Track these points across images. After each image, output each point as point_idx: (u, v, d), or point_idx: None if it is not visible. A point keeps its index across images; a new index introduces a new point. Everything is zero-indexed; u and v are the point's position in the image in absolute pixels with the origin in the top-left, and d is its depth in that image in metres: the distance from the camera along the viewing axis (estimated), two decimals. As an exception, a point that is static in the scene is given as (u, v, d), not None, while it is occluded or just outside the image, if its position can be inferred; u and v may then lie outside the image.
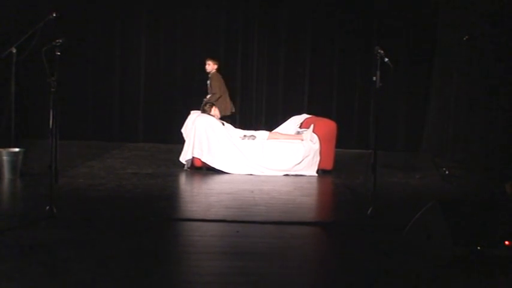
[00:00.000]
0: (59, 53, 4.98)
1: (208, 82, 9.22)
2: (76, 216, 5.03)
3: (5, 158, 6.60)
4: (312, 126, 7.99)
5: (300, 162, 7.67)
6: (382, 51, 5.31)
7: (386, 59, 5.26)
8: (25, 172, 6.78)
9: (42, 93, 5.93)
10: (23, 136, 8.06)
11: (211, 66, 9.20)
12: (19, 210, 5.42)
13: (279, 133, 8.30)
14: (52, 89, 4.90)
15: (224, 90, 9.19)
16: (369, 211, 5.31)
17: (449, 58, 9.47)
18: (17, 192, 6.32)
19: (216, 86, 9.06)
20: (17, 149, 6.73)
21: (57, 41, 4.98)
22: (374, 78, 5.28)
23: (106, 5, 10.29)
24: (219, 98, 8.98)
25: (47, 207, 4.83)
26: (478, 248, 4.10)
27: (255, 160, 7.67)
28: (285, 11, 10.55)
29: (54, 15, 6.32)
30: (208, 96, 9.05)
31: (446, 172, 7.64)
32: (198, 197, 6.33)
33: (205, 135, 7.67)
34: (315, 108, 10.02)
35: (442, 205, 4.30)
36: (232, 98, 10.49)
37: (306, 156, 7.68)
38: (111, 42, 10.54)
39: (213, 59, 9.25)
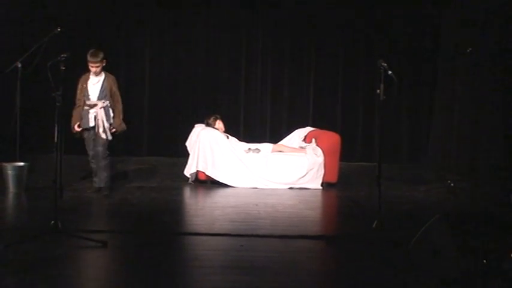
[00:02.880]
0: (64, 68, 5.00)
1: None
2: (80, 231, 5.02)
3: (10, 172, 6.62)
4: (314, 140, 7.99)
5: (305, 176, 7.66)
6: (385, 64, 5.32)
7: (390, 72, 5.27)
8: (30, 186, 6.79)
9: (47, 108, 5.96)
10: (28, 150, 8.07)
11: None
12: (24, 224, 5.42)
13: (283, 146, 8.30)
14: (57, 103, 4.91)
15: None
16: (374, 224, 5.29)
17: (452, 70, 9.46)
18: (22, 206, 6.33)
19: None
20: (21, 163, 6.75)
21: (62, 55, 5.01)
22: (378, 91, 5.29)
23: (110, 21, 10.33)
24: None
25: (52, 221, 4.82)
26: (484, 261, 4.08)
27: (259, 173, 7.66)
28: (289, 24, 10.58)
29: (59, 29, 6.37)
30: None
31: (452, 184, 7.61)
32: (203, 211, 6.32)
33: (209, 149, 7.67)
34: (319, 121, 10.03)
35: (448, 218, 4.28)
36: (236, 110, 10.54)
37: (310, 169, 7.67)
38: (115, 57, 10.55)
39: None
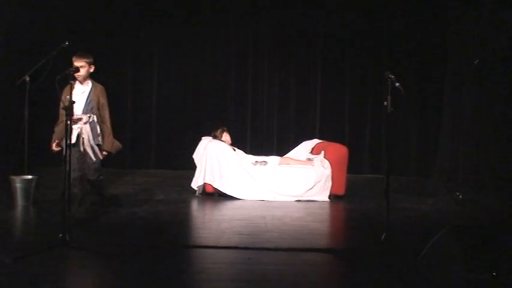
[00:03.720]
0: (72, 82, 5.03)
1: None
2: (88, 244, 5.03)
3: (18, 185, 6.64)
4: (322, 152, 7.98)
5: (312, 188, 7.64)
6: (392, 76, 5.32)
7: (397, 84, 5.26)
8: (38, 199, 6.81)
9: (55, 121, 5.97)
10: (36, 163, 8.10)
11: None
12: (32, 237, 5.42)
13: (290, 158, 8.30)
14: (66, 117, 4.94)
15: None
16: (382, 237, 5.26)
17: (460, 82, 9.46)
18: (30, 219, 6.34)
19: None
20: (30, 176, 6.77)
21: (71, 69, 5.05)
22: (385, 102, 5.27)
23: (118, 34, 10.40)
24: None
25: (60, 235, 4.83)
26: (493, 274, 4.05)
27: (266, 186, 7.65)
28: (296, 35, 10.61)
29: (67, 43, 6.41)
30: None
31: (460, 196, 7.58)
32: (210, 224, 6.31)
33: (216, 161, 7.68)
34: (327, 132, 10.03)
35: (456, 230, 4.26)
36: (243, 123, 10.55)
37: (318, 182, 7.66)
38: (123, 69, 10.63)
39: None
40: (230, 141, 8.27)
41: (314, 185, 7.65)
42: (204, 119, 10.34)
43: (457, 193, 7.65)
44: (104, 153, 5.92)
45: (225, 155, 7.75)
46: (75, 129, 5.70)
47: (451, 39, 9.92)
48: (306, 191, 7.64)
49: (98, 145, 5.83)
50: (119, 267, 4.52)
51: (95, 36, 10.10)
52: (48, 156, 9.25)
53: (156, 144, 10.67)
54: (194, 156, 8.02)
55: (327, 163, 7.78)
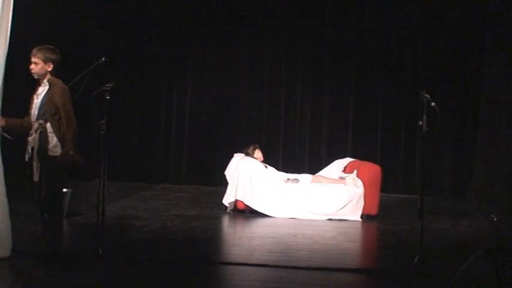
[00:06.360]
0: (108, 97, 5.10)
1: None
2: (121, 257, 5.06)
3: (53, 198, 6.72)
4: (355, 171, 7.91)
5: (344, 207, 7.57)
6: (428, 96, 5.27)
7: (433, 103, 5.21)
8: (72, 212, 6.90)
9: (89, 135, 6.05)
10: (70, 177, 8.22)
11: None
12: (65, 250, 5.48)
13: (322, 177, 8.25)
14: (101, 132, 5.02)
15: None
16: (415, 259, 5.17)
17: (496, 102, 9.31)
18: (64, 232, 6.41)
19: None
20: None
21: (107, 85, 5.12)
22: (420, 122, 5.22)
23: (153, 51, 10.56)
24: None
25: (93, 248, 4.87)
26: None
27: (298, 204, 7.61)
28: (329, 53, 10.61)
29: (104, 59, 6.51)
30: None
31: (495, 219, 7.42)
32: (241, 241, 6.30)
33: (248, 178, 7.68)
34: (359, 151, 9.95)
35: (491, 253, 4.18)
36: (275, 140, 10.55)
37: (350, 201, 7.58)
38: (157, 85, 10.77)
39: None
40: (262, 159, 8.27)
41: (346, 204, 7.58)
42: (237, 136, 10.37)
43: (492, 215, 7.50)
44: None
45: (256, 172, 7.75)
46: (29, 142, 4.70)
47: (487, 59, 9.79)
48: (338, 210, 7.57)
49: (50, 157, 4.62)
50: (150, 281, 4.54)
51: (129, 52, 10.27)
52: (83, 169, 9.42)
53: (188, 160, 10.74)
54: (226, 172, 8.05)
55: (359, 182, 7.70)
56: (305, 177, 7.99)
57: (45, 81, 4.73)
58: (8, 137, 4.78)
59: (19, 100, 5.22)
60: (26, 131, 4.70)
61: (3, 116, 4.83)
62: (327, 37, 10.58)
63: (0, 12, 4.87)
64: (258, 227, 7.06)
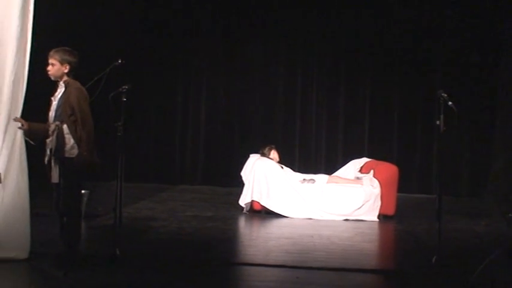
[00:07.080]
0: (125, 99, 5.13)
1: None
2: (138, 259, 5.09)
3: (70, 199, 6.77)
4: (372, 171, 7.88)
5: (361, 207, 7.54)
6: (445, 95, 5.23)
7: (450, 103, 5.17)
8: (89, 213, 6.94)
9: (106, 137, 6.07)
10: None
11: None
12: (83, 251, 5.52)
13: (338, 177, 8.22)
14: (118, 134, 5.05)
15: None
16: (433, 259, 5.14)
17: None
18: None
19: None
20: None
21: (124, 87, 5.14)
22: (437, 122, 5.18)
23: (169, 52, 10.60)
24: None
25: (111, 249, 4.90)
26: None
27: (314, 204, 7.60)
28: (345, 52, 10.57)
29: (120, 61, 6.54)
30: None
31: (511, 215, 7.35)
32: (257, 241, 6.30)
33: (264, 179, 7.68)
34: (375, 151, 9.89)
35: (509, 253, 4.14)
36: (291, 141, 10.54)
37: (367, 201, 7.55)
38: (173, 87, 10.81)
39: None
40: (278, 159, 8.26)
41: (363, 205, 7.54)
42: (252, 137, 10.38)
43: (510, 214, 7.42)
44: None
45: (272, 172, 7.74)
46: (48, 142, 4.76)
47: (504, 58, 9.69)
48: (354, 210, 7.54)
49: (67, 159, 4.68)
50: (167, 282, 4.55)
51: (144, 53, 10.32)
52: (100, 171, 9.48)
53: (204, 161, 10.77)
54: (242, 173, 8.06)
55: (376, 182, 7.67)
56: (321, 178, 7.96)
57: (61, 83, 4.80)
58: (31, 142, 4.83)
59: (42, 104, 5.26)
60: (48, 134, 4.75)
61: (26, 119, 4.86)
62: (343, 36, 10.54)
63: (21, 17, 4.87)
64: (274, 227, 7.06)
